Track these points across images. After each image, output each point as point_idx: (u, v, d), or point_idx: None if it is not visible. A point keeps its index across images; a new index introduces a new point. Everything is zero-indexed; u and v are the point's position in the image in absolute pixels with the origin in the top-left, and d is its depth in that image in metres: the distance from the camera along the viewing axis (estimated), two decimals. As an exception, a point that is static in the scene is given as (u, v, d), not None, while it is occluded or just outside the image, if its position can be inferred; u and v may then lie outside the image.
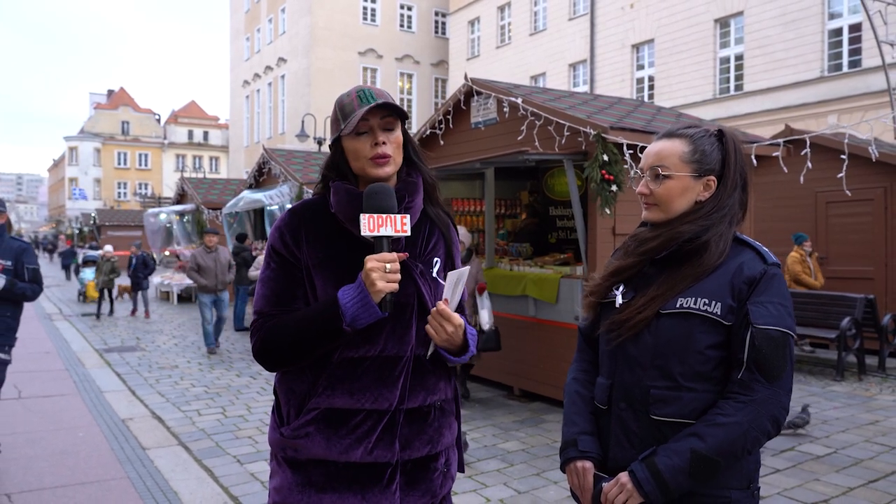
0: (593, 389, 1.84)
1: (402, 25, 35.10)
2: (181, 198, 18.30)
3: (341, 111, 1.73)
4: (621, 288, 1.76)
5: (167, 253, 18.53)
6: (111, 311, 14.26)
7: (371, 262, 1.60)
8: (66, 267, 26.21)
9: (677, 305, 1.64)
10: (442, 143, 7.73)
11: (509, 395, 7.07)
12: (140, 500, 4.33)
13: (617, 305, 1.74)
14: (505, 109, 6.75)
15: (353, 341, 1.68)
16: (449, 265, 1.86)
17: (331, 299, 1.65)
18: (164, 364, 8.94)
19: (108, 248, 14.70)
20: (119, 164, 58.93)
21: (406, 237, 1.72)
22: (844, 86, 16.64)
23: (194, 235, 16.77)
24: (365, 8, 34.03)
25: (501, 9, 29.48)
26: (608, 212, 6.02)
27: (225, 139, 61.17)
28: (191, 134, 62.56)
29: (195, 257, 9.80)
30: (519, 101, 6.47)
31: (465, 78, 7.26)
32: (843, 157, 4.61)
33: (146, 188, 58.53)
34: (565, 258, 7.34)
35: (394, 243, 1.69)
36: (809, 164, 4.78)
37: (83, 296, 17.57)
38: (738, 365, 1.58)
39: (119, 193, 58.29)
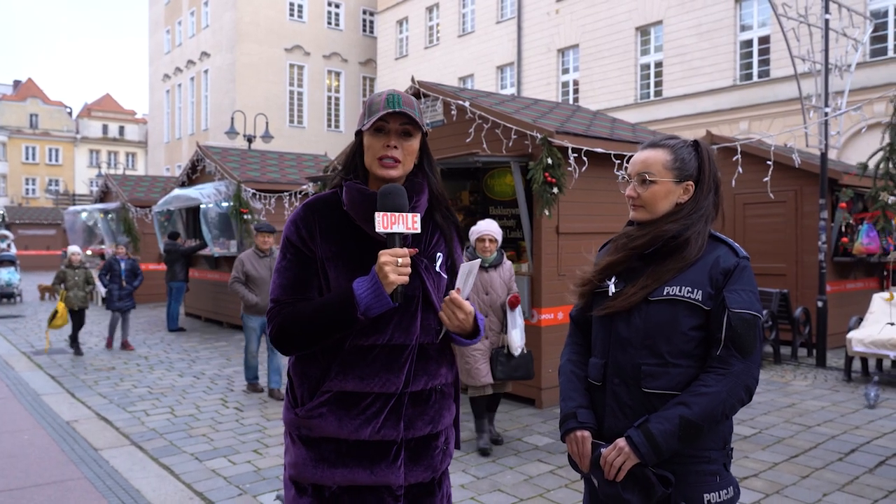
0: (585, 369, 2.08)
1: (329, 23, 34.84)
2: (104, 195, 17.67)
3: (368, 108, 1.88)
4: (613, 279, 2.01)
5: (90, 252, 17.84)
6: (78, 349, 9.50)
7: (385, 256, 1.76)
8: None
9: (664, 293, 1.89)
10: (388, 143, 7.88)
11: (456, 388, 7.30)
12: (103, 499, 4.32)
13: (610, 294, 1.99)
14: (452, 112, 6.98)
15: (363, 330, 1.84)
16: (449, 262, 2.05)
17: (346, 289, 1.79)
18: (100, 366, 8.72)
19: (75, 248, 9.90)
20: (27, 158, 55.72)
21: (413, 235, 1.89)
22: (755, 94, 17.74)
23: (119, 234, 16.24)
24: (291, 4, 33.60)
25: (430, 10, 29.75)
26: (547, 213, 6.33)
27: (143, 134, 58.92)
28: (105, 128, 59.85)
29: (243, 263, 7.06)
30: (467, 104, 6.71)
31: (413, 80, 7.45)
32: (769, 162, 5.07)
33: (57, 184, 55.72)
34: (508, 256, 7.63)
35: (403, 240, 1.86)
36: (741, 170, 5.22)
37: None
38: (717, 343, 1.85)
39: (28, 190, 55.15)
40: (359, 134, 1.93)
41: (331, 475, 1.84)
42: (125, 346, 9.94)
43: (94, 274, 11.42)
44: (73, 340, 9.58)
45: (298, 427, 1.88)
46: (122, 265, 9.98)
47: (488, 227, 5.16)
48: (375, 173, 1.89)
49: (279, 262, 1.92)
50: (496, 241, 5.17)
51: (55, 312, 9.25)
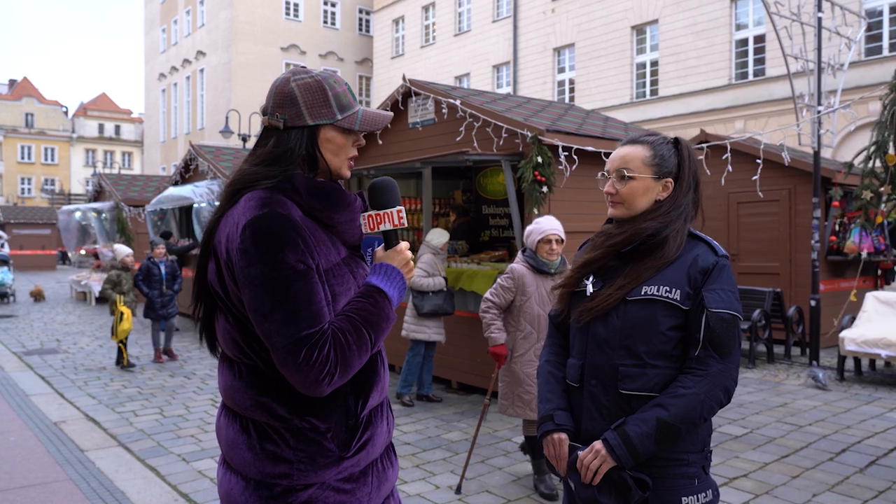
0: (564, 370, 2.05)
1: (325, 22, 34.82)
2: (98, 194, 17.61)
3: (336, 99, 1.62)
4: (591, 278, 1.97)
5: (83, 252, 17.77)
6: (126, 359, 8.46)
7: (406, 251, 1.70)
8: None
9: (642, 293, 1.86)
10: (380, 142, 7.85)
11: (447, 388, 7.27)
12: (87, 501, 4.28)
13: (588, 294, 1.95)
14: (443, 110, 6.94)
15: None
16: None
17: (373, 290, 1.60)
18: (91, 366, 8.67)
19: (127, 250, 9.00)
20: (23, 158, 55.54)
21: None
22: (750, 93, 17.72)
23: (113, 234, 16.18)
24: (288, 3, 33.58)
25: (426, 8, 29.70)
26: (536, 212, 6.29)
27: (139, 134, 58.85)
28: (101, 128, 59.71)
29: None
30: (458, 102, 6.67)
31: (404, 79, 7.41)
32: (758, 160, 5.03)
33: (53, 184, 55.58)
34: (500, 255, 7.61)
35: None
36: (730, 168, 5.19)
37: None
38: (695, 344, 1.81)
39: (23, 189, 54.97)
40: (313, 126, 1.62)
41: (384, 478, 1.73)
42: (169, 353, 9.16)
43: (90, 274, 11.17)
44: (125, 355, 8.51)
45: (343, 470, 1.61)
46: (162, 268, 8.93)
47: (553, 226, 4.31)
48: (341, 174, 1.69)
49: (293, 285, 1.49)
50: (563, 241, 4.37)
51: (120, 316, 8.28)
